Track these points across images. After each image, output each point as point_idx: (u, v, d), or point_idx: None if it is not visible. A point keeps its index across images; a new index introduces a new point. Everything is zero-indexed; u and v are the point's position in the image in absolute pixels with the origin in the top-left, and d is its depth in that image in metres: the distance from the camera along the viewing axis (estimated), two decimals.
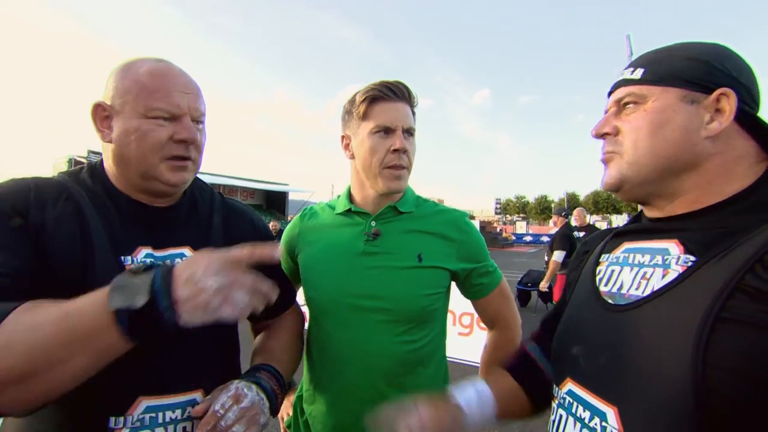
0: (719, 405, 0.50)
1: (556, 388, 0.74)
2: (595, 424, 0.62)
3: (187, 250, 0.88)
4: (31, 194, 0.76)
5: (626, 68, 0.71)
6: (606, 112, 0.74)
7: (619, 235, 0.77)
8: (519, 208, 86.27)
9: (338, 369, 1.07)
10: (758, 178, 0.61)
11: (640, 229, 0.73)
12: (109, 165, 0.86)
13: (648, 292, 0.62)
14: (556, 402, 0.74)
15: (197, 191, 0.98)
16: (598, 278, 0.74)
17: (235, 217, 1.02)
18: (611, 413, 0.60)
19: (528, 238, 42.57)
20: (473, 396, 0.84)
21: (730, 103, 0.61)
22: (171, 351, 0.81)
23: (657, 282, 0.62)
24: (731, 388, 0.49)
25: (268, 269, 1.04)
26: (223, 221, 0.98)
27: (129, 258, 0.80)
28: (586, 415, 0.64)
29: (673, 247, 0.63)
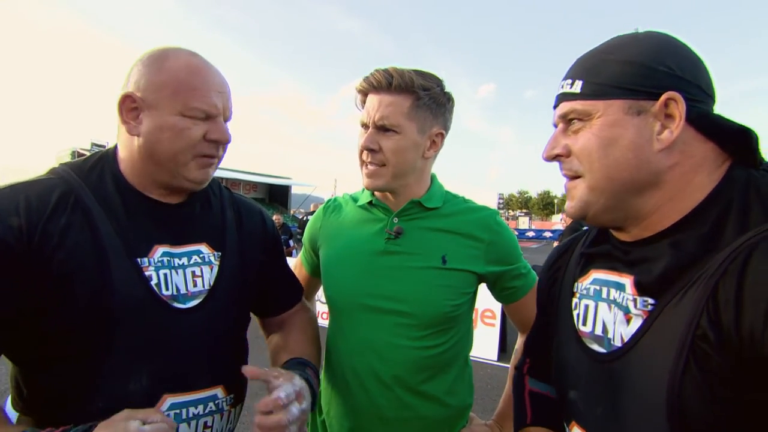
0: None
1: (567, 429, 0.73)
2: None
3: (204, 247, 0.88)
4: (20, 211, 0.71)
5: (565, 79, 0.66)
6: (555, 126, 0.68)
7: (586, 257, 0.74)
8: (522, 203, 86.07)
9: (354, 372, 1.03)
10: (712, 189, 0.57)
11: (605, 255, 0.69)
12: (126, 157, 0.83)
13: (618, 341, 0.61)
14: None
15: (209, 186, 0.96)
16: (575, 314, 0.71)
17: (246, 212, 1.01)
18: None
19: (531, 234, 42.50)
20: None
21: (679, 107, 0.56)
22: (195, 350, 0.82)
23: (624, 329, 0.60)
24: None
25: (274, 267, 1.07)
26: (235, 216, 0.97)
27: (146, 259, 0.79)
28: None
29: (628, 284, 0.61)
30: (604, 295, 0.66)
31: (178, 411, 0.80)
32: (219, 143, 0.84)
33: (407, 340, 0.99)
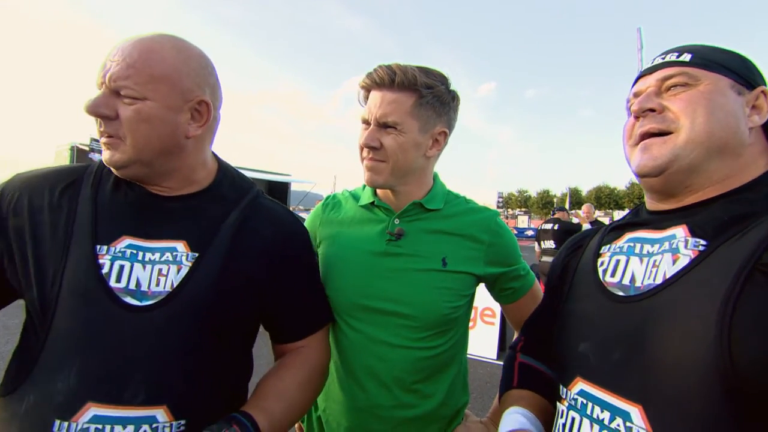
0: (749, 388, 0.49)
1: (564, 389, 0.72)
2: (618, 425, 0.59)
3: (180, 245, 0.78)
4: (29, 188, 0.78)
5: (667, 53, 0.72)
6: (634, 96, 0.74)
7: (619, 228, 0.77)
8: (521, 202, 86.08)
9: (352, 371, 1.03)
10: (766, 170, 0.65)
11: (643, 221, 0.73)
12: None
13: (660, 279, 0.61)
14: (565, 404, 0.70)
15: (228, 185, 0.89)
16: (601, 270, 0.72)
17: (258, 219, 0.88)
18: (636, 412, 0.58)
19: (530, 233, 42.53)
20: (527, 424, 0.79)
21: (767, 101, 0.67)
22: (135, 356, 0.71)
23: (668, 268, 0.61)
24: (759, 370, 0.48)
25: (285, 289, 0.90)
26: (240, 221, 0.85)
27: (105, 247, 0.75)
28: (605, 415, 0.62)
29: (679, 231, 0.64)
30: (637, 251, 0.69)
31: (100, 426, 0.67)
32: (90, 116, 0.74)
33: (407, 341, 0.99)
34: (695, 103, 0.65)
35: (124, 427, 0.68)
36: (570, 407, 0.69)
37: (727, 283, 0.52)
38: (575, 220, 6.27)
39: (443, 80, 1.00)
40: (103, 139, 0.76)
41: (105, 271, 0.73)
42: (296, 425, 1.29)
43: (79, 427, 0.67)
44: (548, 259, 5.91)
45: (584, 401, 0.66)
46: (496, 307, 4.83)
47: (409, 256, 1.01)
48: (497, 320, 4.83)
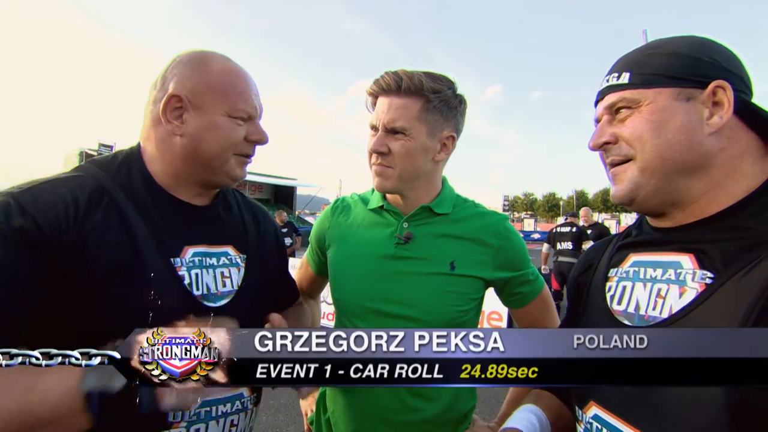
0: (760, 430, 0.48)
1: (580, 412, 0.72)
2: None
3: (230, 249, 0.90)
4: (69, 208, 0.69)
5: (609, 74, 0.69)
6: (597, 121, 0.71)
7: (624, 248, 0.75)
8: (527, 205, 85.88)
9: None
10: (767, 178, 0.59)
11: (646, 241, 0.71)
12: (160, 157, 0.82)
13: (666, 313, 0.60)
14: (582, 426, 0.71)
15: (224, 190, 0.97)
16: (608, 296, 0.72)
17: (261, 216, 1.06)
18: None
19: (536, 236, 42.36)
20: (534, 422, 0.80)
21: (727, 95, 0.59)
22: None
23: (675, 301, 0.60)
24: None
25: (282, 269, 1.10)
26: (252, 221, 1.00)
27: (178, 259, 0.80)
28: None
29: (686, 260, 0.61)
30: (641, 276, 0.67)
31: (208, 409, 0.81)
32: (259, 144, 0.88)
33: None
34: (640, 129, 0.63)
35: (225, 405, 0.85)
36: (586, 430, 0.70)
37: (735, 323, 0.51)
38: (581, 222, 6.70)
39: (450, 85, 1.01)
40: (250, 160, 0.90)
41: (187, 281, 0.80)
42: (305, 426, 1.31)
43: (192, 413, 0.79)
44: (565, 259, 6.38)
45: (599, 426, 0.67)
46: (503, 311, 4.81)
47: (418, 259, 1.02)
48: (504, 324, 4.81)
